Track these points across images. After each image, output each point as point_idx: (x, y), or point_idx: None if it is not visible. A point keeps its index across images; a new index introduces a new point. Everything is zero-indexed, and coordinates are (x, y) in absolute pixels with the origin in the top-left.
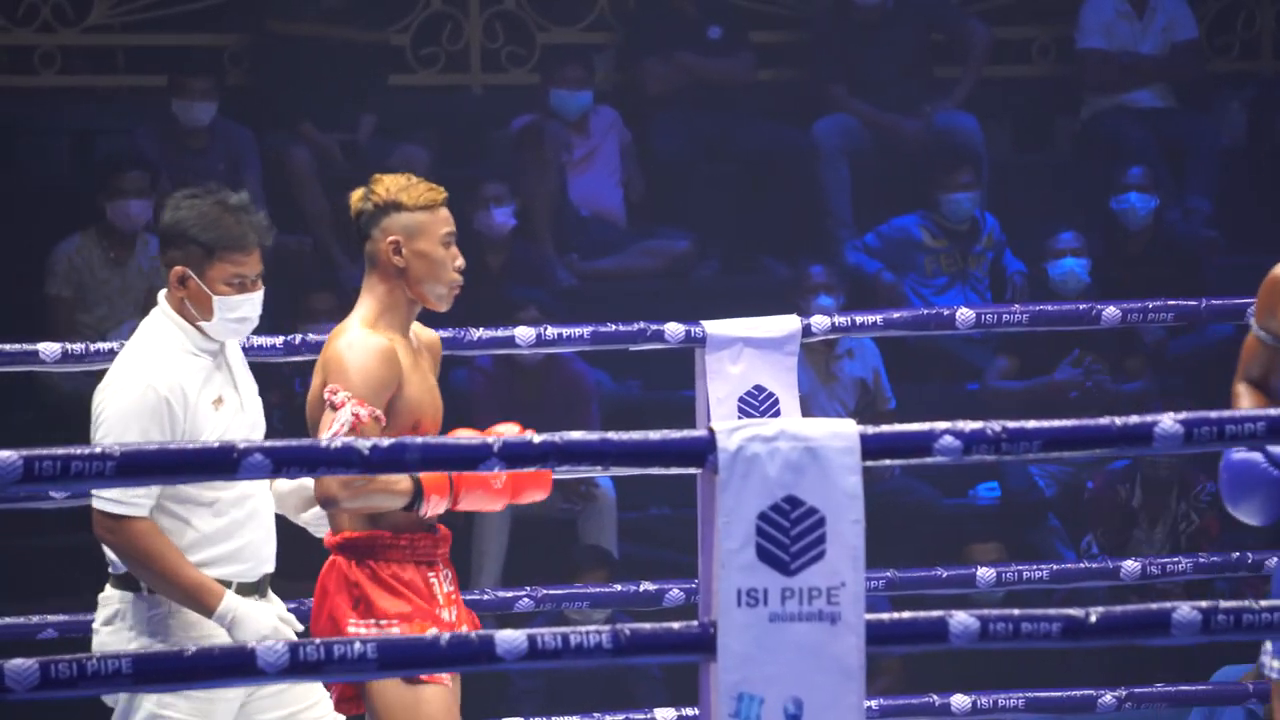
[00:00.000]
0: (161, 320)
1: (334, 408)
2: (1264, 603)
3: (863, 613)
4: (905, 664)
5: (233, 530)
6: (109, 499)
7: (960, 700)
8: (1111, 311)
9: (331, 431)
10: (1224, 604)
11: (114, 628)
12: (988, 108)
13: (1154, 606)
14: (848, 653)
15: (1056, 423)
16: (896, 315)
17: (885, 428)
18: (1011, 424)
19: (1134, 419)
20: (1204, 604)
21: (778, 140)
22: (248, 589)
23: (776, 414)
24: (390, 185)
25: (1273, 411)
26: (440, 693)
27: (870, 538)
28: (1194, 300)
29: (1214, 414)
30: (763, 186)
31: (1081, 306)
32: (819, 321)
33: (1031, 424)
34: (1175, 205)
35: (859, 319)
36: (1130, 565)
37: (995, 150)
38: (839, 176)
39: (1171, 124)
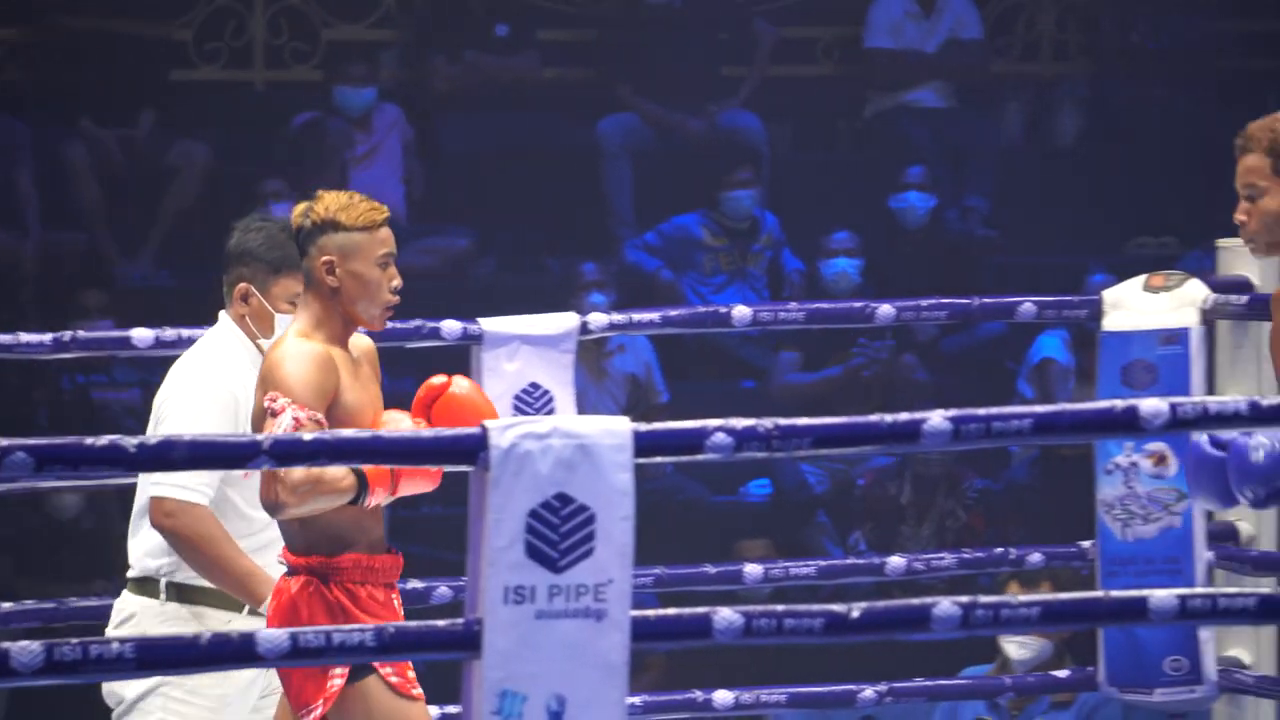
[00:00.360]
0: (225, 333)
1: (274, 414)
2: (1022, 597)
3: (629, 610)
4: (670, 660)
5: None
6: (173, 484)
7: (723, 696)
8: (886, 309)
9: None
10: (983, 599)
11: (126, 633)
12: (772, 107)
13: (915, 601)
14: (612, 649)
15: (827, 420)
16: (674, 313)
17: (658, 425)
18: (783, 421)
19: (903, 416)
20: (964, 599)
21: (562, 139)
22: None
23: (552, 411)
24: (330, 203)
25: (1039, 408)
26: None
27: (641, 535)
28: (967, 299)
29: (981, 411)
30: (547, 185)
31: (857, 304)
32: (596, 319)
33: (802, 421)
34: (954, 204)
35: (637, 317)
36: (895, 561)
37: (777, 149)
38: (621, 175)
39: (952, 124)
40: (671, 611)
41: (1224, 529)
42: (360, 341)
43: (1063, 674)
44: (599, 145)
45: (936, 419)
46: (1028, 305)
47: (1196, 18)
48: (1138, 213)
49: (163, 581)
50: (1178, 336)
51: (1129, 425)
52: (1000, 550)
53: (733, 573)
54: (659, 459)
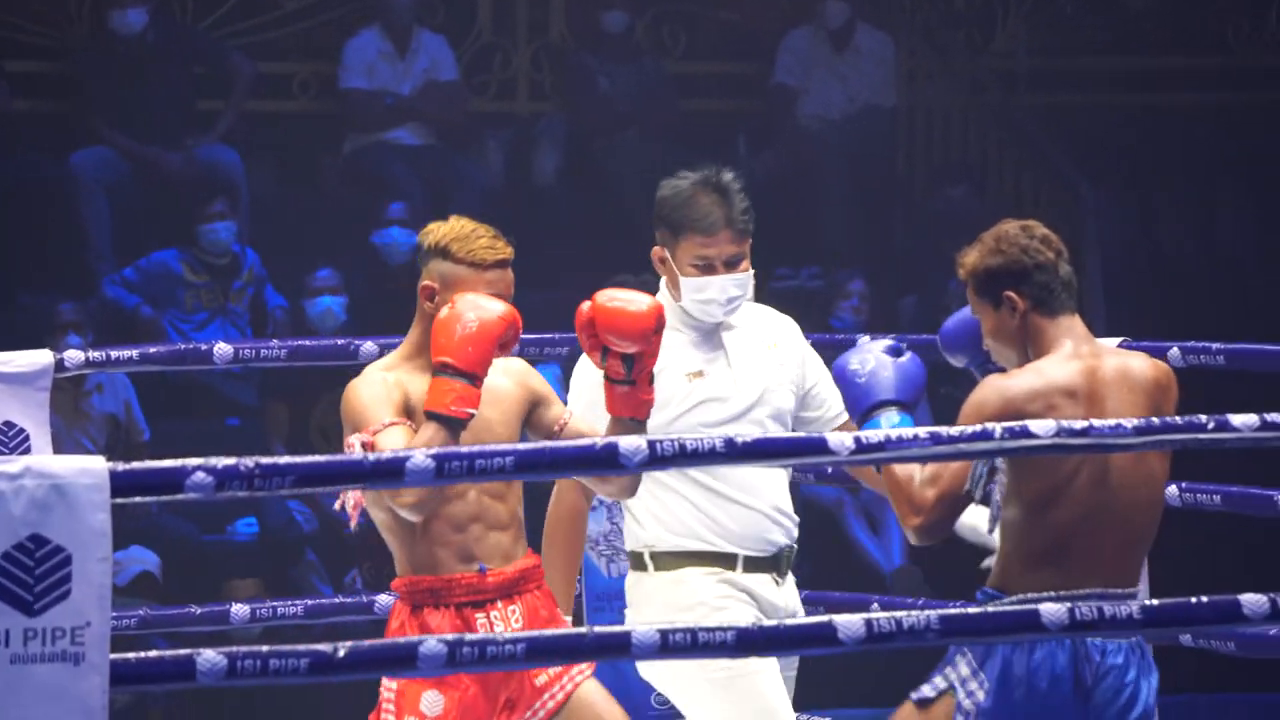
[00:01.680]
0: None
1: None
2: (507, 634)
3: (108, 652)
4: (172, 701)
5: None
6: None
7: None
8: (369, 347)
9: None
10: (469, 637)
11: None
12: (251, 142)
13: (402, 640)
14: (91, 693)
15: (309, 459)
16: (153, 350)
17: (136, 464)
18: (265, 460)
19: (386, 455)
20: (449, 637)
21: (35, 172)
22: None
23: (28, 450)
24: (448, 231)
25: (521, 446)
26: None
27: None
28: None
29: (464, 449)
30: (18, 220)
31: (340, 341)
32: (73, 356)
33: (284, 460)
34: None
35: (114, 354)
36: (385, 600)
37: (258, 184)
38: (98, 209)
39: (433, 161)
40: (153, 654)
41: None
42: (507, 362)
43: None
44: (73, 178)
45: (419, 457)
46: None
47: (656, 60)
48: (618, 248)
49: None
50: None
51: (609, 462)
52: None
53: (220, 613)
54: (139, 499)
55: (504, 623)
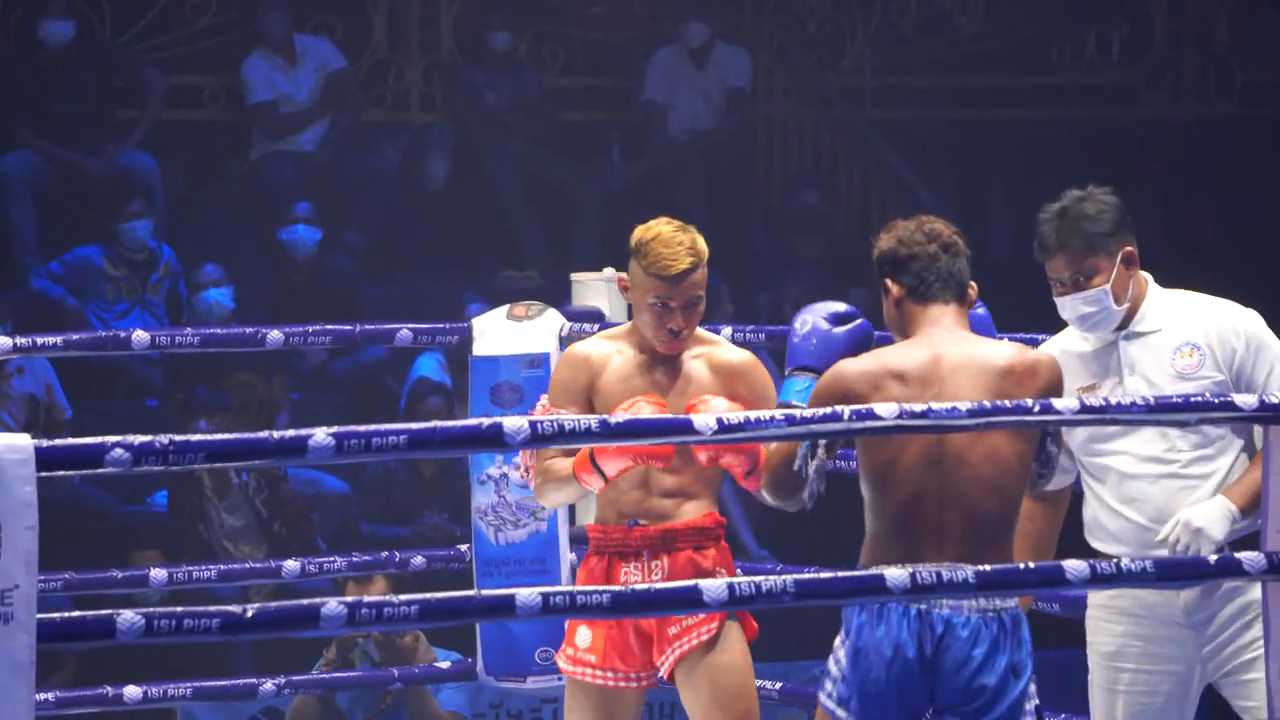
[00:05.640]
0: None
1: None
2: (403, 596)
3: (34, 612)
4: (83, 658)
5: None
6: None
7: (132, 691)
8: (275, 335)
9: None
10: (367, 599)
11: None
12: (165, 148)
13: (304, 602)
14: (20, 650)
15: (220, 436)
16: (76, 337)
17: (60, 441)
18: (178, 437)
19: (290, 432)
20: (349, 599)
21: None
22: None
23: None
24: (647, 233)
25: (414, 426)
26: None
27: (52, 542)
28: (350, 326)
29: (362, 429)
30: None
31: (248, 330)
32: (1, 342)
33: (196, 437)
34: (334, 241)
35: (41, 340)
36: (291, 565)
37: (172, 187)
38: (24, 209)
39: (333, 166)
40: (77, 614)
41: (584, 533)
42: (722, 355)
43: (444, 665)
44: (1, 181)
45: (320, 435)
46: (405, 332)
47: (536, 75)
48: (501, 246)
49: None
50: (539, 361)
51: (495, 441)
52: (386, 554)
53: (139, 576)
54: (63, 472)
55: (643, 574)
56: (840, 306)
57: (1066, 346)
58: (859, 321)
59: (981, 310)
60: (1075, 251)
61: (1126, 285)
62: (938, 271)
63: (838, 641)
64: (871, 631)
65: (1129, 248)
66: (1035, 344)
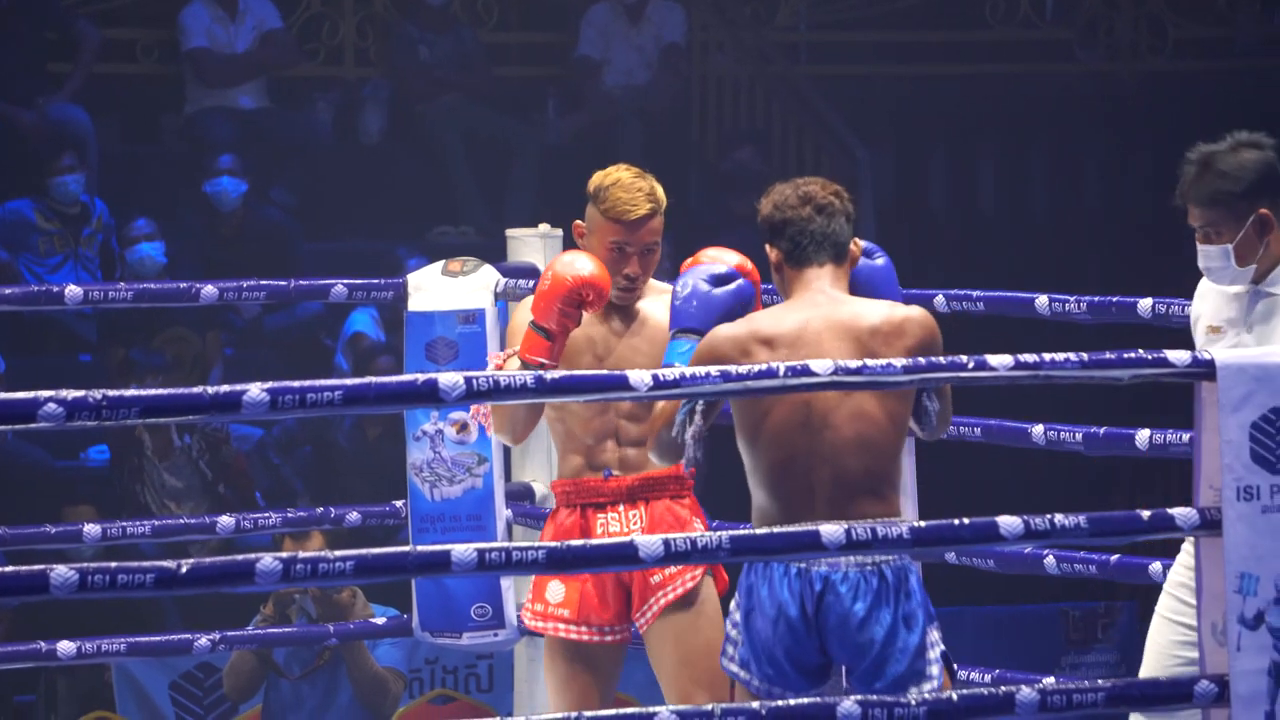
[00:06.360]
0: None
1: None
2: (338, 552)
3: None
4: (18, 614)
5: None
6: None
7: (66, 646)
8: (210, 290)
9: None
10: (302, 555)
11: None
12: (98, 102)
13: (240, 558)
14: None
15: (154, 391)
16: (9, 291)
17: None
18: (112, 392)
19: (225, 388)
20: (284, 555)
21: None
22: None
23: None
24: (606, 179)
25: (349, 381)
26: None
27: None
28: (284, 281)
29: (296, 384)
30: None
31: (183, 285)
32: None
33: (130, 392)
34: (266, 196)
35: None
36: (225, 520)
37: (106, 141)
38: None
39: (266, 121)
40: (9, 570)
41: (521, 489)
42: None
43: (380, 620)
44: None
45: (255, 391)
46: (339, 287)
47: (471, 30)
48: (439, 204)
49: None
50: (474, 316)
51: (430, 396)
52: (321, 510)
53: (73, 532)
54: None
55: (621, 524)
56: (720, 268)
57: (1215, 283)
58: (739, 282)
59: (881, 260)
60: (1203, 206)
61: (1256, 247)
62: (811, 235)
63: (733, 605)
64: (758, 592)
65: (1264, 210)
66: (969, 299)
